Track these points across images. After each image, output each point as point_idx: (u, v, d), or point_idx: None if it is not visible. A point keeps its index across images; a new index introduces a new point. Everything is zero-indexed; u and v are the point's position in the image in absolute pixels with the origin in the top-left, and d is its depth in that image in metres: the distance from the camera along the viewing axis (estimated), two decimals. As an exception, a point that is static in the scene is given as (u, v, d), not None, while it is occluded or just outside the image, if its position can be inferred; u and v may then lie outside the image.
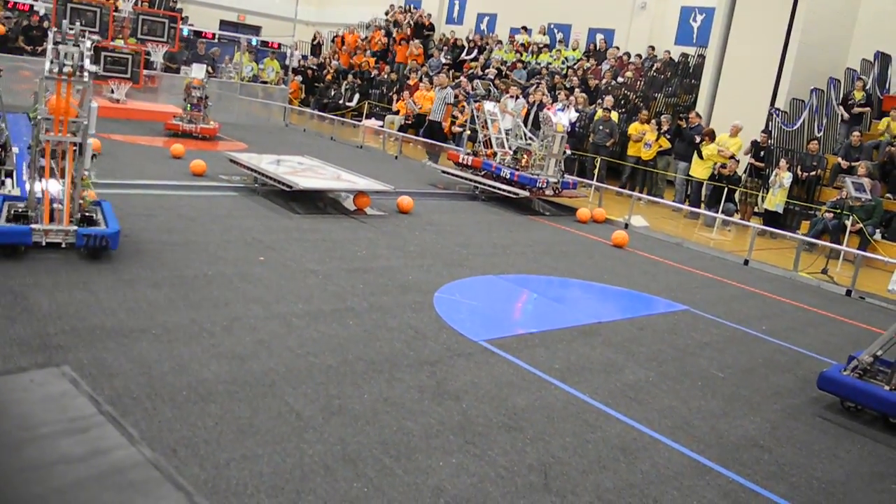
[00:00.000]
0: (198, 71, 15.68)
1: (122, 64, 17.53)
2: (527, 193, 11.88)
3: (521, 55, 21.87)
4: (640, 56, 19.49)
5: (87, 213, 6.83)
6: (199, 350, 4.95)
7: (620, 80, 18.39)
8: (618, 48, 20.22)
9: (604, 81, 18.65)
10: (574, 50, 21.53)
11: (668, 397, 5.38)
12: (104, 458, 0.79)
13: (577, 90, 17.89)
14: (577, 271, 8.75)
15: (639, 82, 18.25)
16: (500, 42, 23.37)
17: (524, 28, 23.03)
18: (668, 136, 15.28)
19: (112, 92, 17.76)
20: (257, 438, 3.94)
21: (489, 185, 12.35)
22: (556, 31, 22.69)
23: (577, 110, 16.37)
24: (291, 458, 3.79)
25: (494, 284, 7.75)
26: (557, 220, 11.86)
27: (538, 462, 4.15)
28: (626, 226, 11.90)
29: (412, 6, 27.84)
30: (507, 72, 20.68)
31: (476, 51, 23.38)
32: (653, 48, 19.71)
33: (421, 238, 9.13)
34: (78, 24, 8.34)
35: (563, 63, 20.92)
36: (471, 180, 12.77)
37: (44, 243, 6.47)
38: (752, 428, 5.09)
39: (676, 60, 18.77)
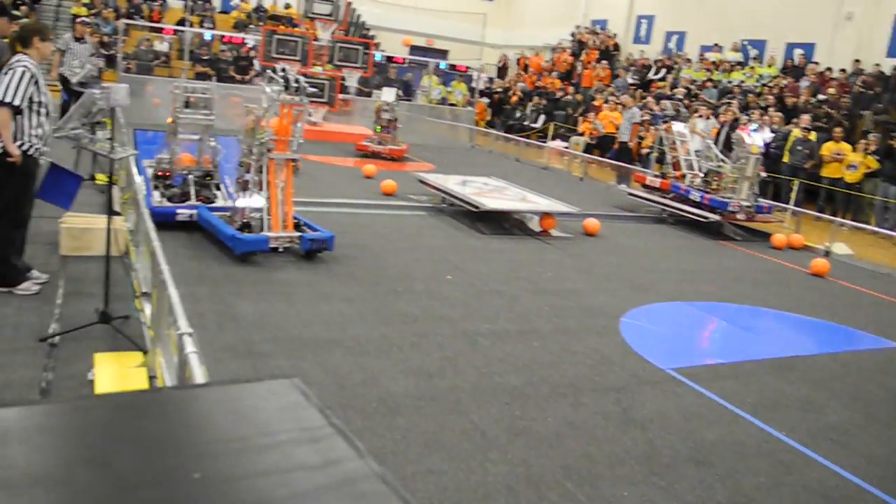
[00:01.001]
0: (388, 94, 16.25)
1: (319, 89, 18.70)
2: (717, 217, 11.42)
3: (712, 74, 21.10)
4: (843, 71, 18.21)
5: (294, 221, 7.66)
6: (389, 364, 5.16)
7: (821, 97, 17.28)
8: (818, 63, 19.01)
9: (802, 99, 17.59)
10: (769, 67, 20.48)
11: (878, 443, 4.96)
12: (336, 468, 0.85)
13: (771, 109, 17.00)
14: (771, 300, 8.28)
15: (842, 99, 17.05)
16: (689, 61, 22.68)
17: (716, 45, 22.20)
18: (877, 157, 14.14)
19: (310, 115, 18.95)
20: (442, 454, 4.04)
21: (677, 209, 11.99)
22: (749, 47, 21.68)
23: (771, 130, 15.57)
24: (475, 476, 3.86)
25: (682, 311, 7.51)
26: (750, 245, 11.29)
27: (728, 501, 3.97)
28: (827, 253, 11.11)
29: (598, 27, 27.63)
30: (697, 91, 20.02)
31: (664, 70, 22.82)
32: (858, 61, 18.35)
33: (607, 261, 9.02)
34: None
35: (757, 81, 19.96)
36: (658, 203, 12.46)
37: (280, 249, 7.40)
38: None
39: (888, 74, 17.37)
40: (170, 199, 8.20)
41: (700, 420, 4.90)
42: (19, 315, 5.17)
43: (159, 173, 8.50)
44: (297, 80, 7.50)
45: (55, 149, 5.87)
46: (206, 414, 0.90)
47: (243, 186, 7.58)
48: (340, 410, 4.36)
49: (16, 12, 11.43)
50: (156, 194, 8.24)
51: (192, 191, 8.33)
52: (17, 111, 5.26)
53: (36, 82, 5.35)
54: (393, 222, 9.76)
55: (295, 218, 7.78)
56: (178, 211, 8.04)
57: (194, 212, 8.03)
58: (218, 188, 8.53)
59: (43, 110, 5.46)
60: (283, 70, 7.67)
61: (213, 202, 8.30)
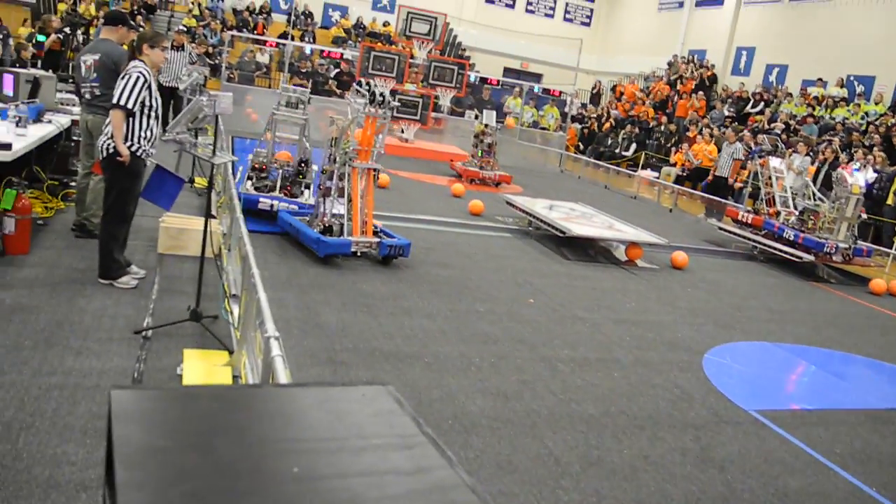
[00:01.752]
0: (489, 117, 15.94)
1: (412, 106, 18.97)
2: (812, 258, 11.02)
3: (814, 109, 20.45)
4: (958, 112, 17.40)
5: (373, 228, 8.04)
6: (467, 383, 5.16)
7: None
8: (930, 102, 18.23)
9: (911, 139, 16.86)
10: (877, 104, 19.70)
11: (975, 506, 4.68)
12: (428, 475, 0.87)
13: (876, 148, 16.35)
14: (866, 348, 7.93)
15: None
16: (789, 94, 22.05)
17: (819, 80, 21.51)
18: None
19: (402, 132, 19.23)
20: (515, 477, 4.02)
21: (769, 246, 11.63)
22: (856, 83, 20.93)
23: (875, 170, 14.96)
24: (546, 503, 3.82)
25: (769, 352, 7.27)
26: (846, 289, 10.85)
27: (811, 552, 3.81)
28: (930, 303, 10.59)
29: (696, 57, 27.20)
30: (797, 126, 19.44)
31: (762, 103, 22.25)
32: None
33: (693, 295, 8.82)
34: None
35: (862, 118, 19.24)
36: (750, 239, 12.11)
37: (358, 253, 7.72)
38: None
39: None
40: (257, 190, 8.99)
41: (783, 466, 4.72)
42: (117, 307, 5.41)
43: (256, 165, 9.32)
44: (382, 95, 7.81)
45: (159, 151, 6.13)
46: (304, 412, 0.94)
47: (325, 192, 7.97)
48: (415, 425, 4.38)
49: (132, 23, 12.01)
50: (248, 183, 9.04)
51: (279, 184, 9.08)
52: (129, 114, 5.55)
53: (149, 87, 5.63)
54: (479, 242, 9.79)
55: (374, 226, 8.08)
56: (261, 199, 8.69)
57: (275, 202, 8.68)
58: (308, 187, 9.09)
59: (153, 114, 5.74)
60: (370, 84, 8.00)
61: (297, 197, 8.97)
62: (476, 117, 21.96)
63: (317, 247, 7.52)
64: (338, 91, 21.70)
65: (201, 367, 4.60)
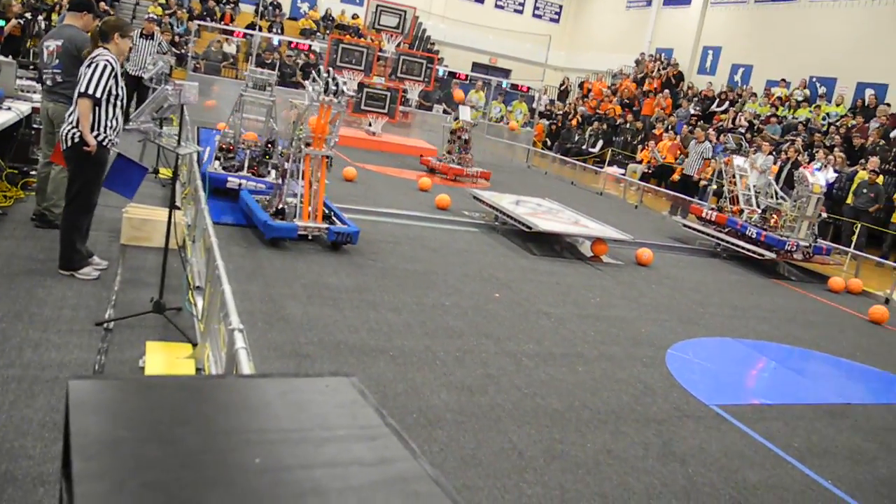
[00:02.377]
0: (465, 112, 15.82)
1: (380, 99, 18.90)
2: (773, 255, 11.21)
3: (777, 109, 20.76)
4: (916, 114, 17.76)
5: (325, 212, 8.30)
6: (431, 376, 5.17)
7: (894, 136, 16.85)
8: (889, 105, 18.57)
9: (870, 140, 17.19)
10: (838, 106, 20.06)
11: (927, 498, 4.80)
12: (391, 466, 0.87)
13: (837, 149, 16.65)
14: (824, 344, 8.09)
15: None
16: (754, 94, 22.36)
17: (783, 81, 21.85)
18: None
19: (369, 125, 19.15)
20: (479, 470, 4.04)
21: (733, 244, 11.80)
22: (818, 84, 21.30)
23: (835, 170, 15.24)
24: (510, 496, 3.84)
25: (731, 347, 7.38)
26: (805, 286, 11.05)
27: (768, 544, 3.88)
28: (887, 300, 10.82)
29: (663, 55, 27.45)
30: (761, 126, 19.72)
31: (727, 103, 22.53)
32: (933, 105, 17.90)
33: (657, 291, 8.91)
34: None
35: (823, 119, 19.58)
36: (713, 237, 12.28)
37: (310, 237, 8.05)
38: None
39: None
40: (225, 169, 9.29)
41: (742, 460, 4.80)
42: (78, 298, 5.32)
43: (223, 146, 9.73)
44: (336, 84, 7.95)
45: (122, 141, 6.04)
46: (267, 402, 0.93)
47: (283, 174, 8.21)
48: (380, 418, 4.38)
49: (97, 10, 11.82)
50: (216, 163, 9.37)
51: (246, 164, 9.40)
52: (96, 103, 5.45)
53: (115, 76, 5.54)
54: (445, 236, 9.79)
55: (327, 207, 8.45)
56: (229, 178, 9.01)
57: (243, 181, 8.99)
58: (275, 167, 9.25)
59: (119, 103, 5.65)
60: (328, 73, 8.13)
61: (264, 177, 9.26)
62: (444, 112, 21.98)
63: (264, 229, 7.74)
64: (304, 83, 21.53)
65: (164, 360, 4.55)
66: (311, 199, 8.04)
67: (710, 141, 17.78)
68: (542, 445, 4.45)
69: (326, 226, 8.01)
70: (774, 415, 5.72)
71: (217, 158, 9.48)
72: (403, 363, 5.32)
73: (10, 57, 9.81)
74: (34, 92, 8.40)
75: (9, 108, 7.43)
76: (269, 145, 9.67)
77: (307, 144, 7.97)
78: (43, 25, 14.84)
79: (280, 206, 8.12)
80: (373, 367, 5.15)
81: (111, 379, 0.94)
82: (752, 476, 4.60)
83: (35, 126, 8.06)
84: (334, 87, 7.92)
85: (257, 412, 0.89)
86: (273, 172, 9.23)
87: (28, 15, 13.62)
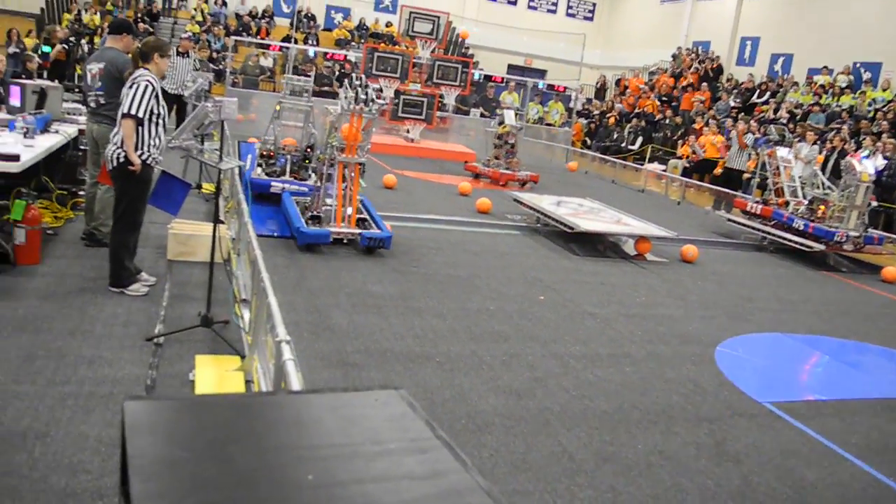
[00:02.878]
0: (509, 116, 15.57)
1: (417, 106, 18.96)
2: (822, 247, 10.97)
3: (820, 98, 20.35)
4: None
5: (361, 217, 8.48)
6: (479, 382, 5.16)
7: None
8: (938, 88, 18.11)
9: (920, 126, 16.77)
10: (884, 91, 19.58)
11: None
12: (443, 479, 0.87)
13: (885, 135, 16.26)
14: (880, 337, 7.88)
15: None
16: (795, 84, 21.95)
17: (825, 68, 21.40)
18: None
19: (407, 132, 19.22)
20: (529, 475, 4.01)
21: (779, 236, 11.58)
22: (862, 70, 20.82)
23: (884, 157, 14.87)
24: (562, 500, 3.82)
25: (782, 343, 7.24)
26: (857, 277, 10.80)
27: (829, 544, 3.79)
28: (943, 289, 10.52)
29: (700, 48, 27.10)
30: (804, 115, 19.35)
31: (768, 93, 22.16)
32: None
33: (703, 288, 8.79)
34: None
35: (869, 105, 19.12)
36: (759, 230, 12.07)
37: (345, 241, 8.23)
38: None
39: None
40: (268, 175, 9.73)
41: (799, 458, 4.70)
42: (129, 315, 5.43)
43: (264, 153, 10.16)
44: (366, 93, 8.09)
45: (166, 158, 6.15)
46: (318, 418, 0.93)
47: (320, 177, 8.46)
48: (429, 425, 4.38)
49: (137, 31, 12.10)
50: (258, 170, 9.83)
51: (288, 169, 9.89)
52: (139, 122, 5.56)
53: (157, 96, 5.64)
54: (487, 240, 9.78)
55: (367, 211, 8.67)
56: (273, 184, 9.44)
57: (286, 185, 9.34)
58: (314, 171, 9.37)
59: (161, 122, 5.75)
60: (360, 80, 8.30)
61: (305, 181, 9.64)
62: (482, 115, 21.97)
63: (297, 236, 7.98)
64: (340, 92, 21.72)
65: (213, 373, 4.61)
66: (345, 205, 8.20)
67: (753, 133, 17.49)
68: (592, 448, 4.41)
69: (359, 231, 8.14)
70: (830, 411, 5.59)
71: (259, 165, 9.91)
72: (450, 369, 5.31)
73: (56, 81, 10.06)
74: (80, 114, 8.60)
75: (56, 132, 7.62)
76: (309, 150, 10.13)
77: (340, 151, 8.12)
78: (86, 49, 15.20)
79: (317, 210, 8.32)
80: (419, 373, 5.16)
81: (165, 399, 0.95)
82: (810, 474, 4.50)
83: (82, 147, 8.24)
84: (364, 97, 8.04)
85: (308, 428, 0.90)
86: (314, 175, 9.42)
87: (72, 39, 13.95)
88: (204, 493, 0.73)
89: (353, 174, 8.22)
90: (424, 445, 0.90)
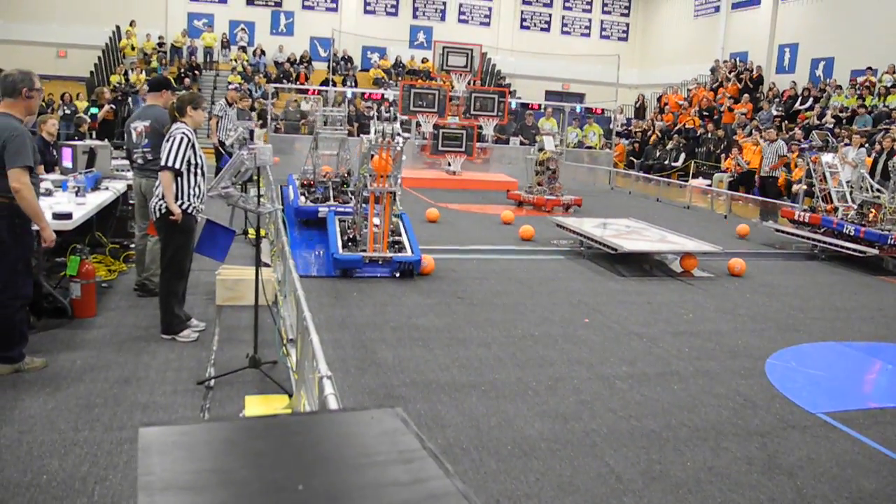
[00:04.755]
0: (549, 143, 15.67)
1: (456, 139, 19.16)
2: (875, 251, 10.73)
3: (865, 99, 19.98)
4: None
5: (397, 240, 8.92)
6: (525, 407, 5.18)
7: None
8: None
9: (972, 122, 16.35)
10: (932, 87, 19.18)
11: None
12: (424, 485, 0.93)
13: (937, 133, 15.88)
14: (941, 340, 7.66)
15: None
16: (839, 87, 21.59)
17: (868, 69, 21.02)
18: None
19: (449, 165, 19.40)
20: (576, 497, 4.01)
21: (829, 243, 11.37)
22: (907, 68, 20.41)
23: (937, 156, 14.52)
24: (612, 521, 3.80)
25: (836, 352, 7.09)
26: (915, 281, 10.52)
27: (890, 554, 3.70)
28: None
29: (738, 60, 26.88)
30: (849, 118, 19.01)
31: (811, 99, 21.83)
32: None
33: (752, 301, 8.67)
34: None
35: (918, 104, 18.72)
36: (808, 238, 11.86)
37: (380, 262, 8.59)
38: None
39: None
40: (312, 202, 10.53)
41: (856, 468, 4.60)
42: (180, 360, 5.60)
43: (304, 182, 11.08)
44: (392, 126, 8.61)
45: (212, 206, 6.37)
46: (315, 436, 1.01)
47: (358, 202, 9.09)
48: (475, 453, 4.42)
49: (175, 86, 12.57)
50: (302, 198, 10.68)
51: (331, 194, 10.74)
52: (177, 173, 5.79)
53: (193, 146, 5.87)
54: (531, 267, 9.82)
55: (404, 229, 9.13)
56: (320, 209, 10.18)
57: (330, 209, 9.89)
58: (353, 193, 10.11)
59: (199, 171, 5.97)
60: (389, 113, 9.03)
61: (347, 203, 10.27)
62: (522, 143, 22.06)
63: (332, 263, 8.49)
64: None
65: (263, 412, 4.73)
66: (379, 231, 8.65)
67: (796, 139, 17.25)
68: (639, 467, 4.39)
69: (391, 255, 8.54)
70: (889, 419, 5.46)
71: (302, 195, 10.73)
72: (496, 396, 5.34)
73: (105, 140, 10.48)
74: (128, 170, 8.94)
75: (106, 188, 7.94)
76: (347, 175, 11.06)
77: (373, 181, 8.56)
78: (132, 107, 15.75)
79: (355, 233, 8.90)
80: (465, 402, 5.20)
81: (176, 424, 1.04)
82: (868, 485, 4.40)
83: (131, 202, 8.56)
84: (391, 131, 8.52)
85: (304, 445, 0.97)
86: (353, 198, 10.01)
87: (119, 98, 14.53)
88: (203, 501, 0.81)
89: (384, 202, 8.65)
90: (411, 456, 0.96)
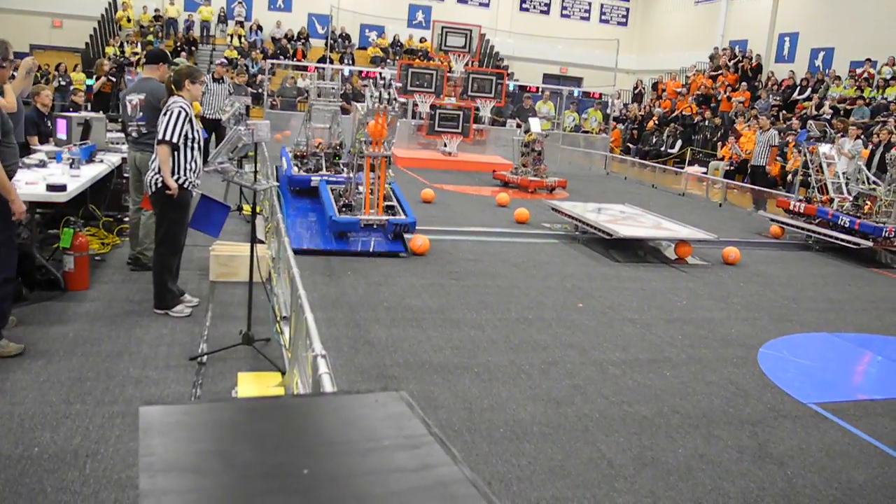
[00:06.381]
0: (535, 125, 15.89)
1: (453, 120, 19.08)
2: (870, 244, 10.75)
3: (863, 91, 19.95)
4: None
5: (389, 204, 9.16)
6: (517, 391, 5.18)
7: None
8: None
9: (969, 116, 16.35)
10: (932, 80, 19.16)
11: None
12: (431, 472, 0.91)
13: (934, 126, 15.88)
14: (932, 333, 7.69)
15: None
16: (838, 78, 21.55)
17: (868, 60, 20.98)
18: None
19: (444, 146, 19.33)
20: (568, 481, 4.02)
21: (824, 235, 11.38)
22: (907, 60, 20.38)
23: (934, 149, 14.52)
24: (602, 506, 3.81)
25: (829, 342, 7.12)
26: (908, 273, 10.55)
27: (877, 544, 3.72)
28: None
29: (737, 48, 26.79)
30: (846, 109, 18.99)
31: (809, 89, 21.79)
32: None
33: (746, 290, 8.68)
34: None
35: (916, 97, 18.72)
36: (803, 229, 11.87)
37: (375, 226, 8.83)
38: None
39: None
40: (306, 172, 10.83)
41: (846, 459, 4.62)
42: (173, 335, 5.58)
43: (297, 154, 11.45)
44: (389, 92, 8.79)
45: (207, 181, 6.32)
46: (319, 419, 0.99)
47: (352, 170, 9.37)
48: (468, 435, 4.42)
49: (177, 60, 12.44)
50: (295, 168, 10.99)
51: (324, 165, 11.10)
52: (174, 148, 5.74)
53: (190, 121, 5.82)
54: (525, 250, 9.80)
55: (395, 196, 9.33)
56: (312, 178, 10.42)
57: (322, 178, 10.16)
58: (346, 165, 10.43)
59: (196, 146, 5.92)
60: (384, 80, 9.17)
61: (340, 173, 10.62)
62: (518, 126, 21.99)
63: (330, 225, 8.75)
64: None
65: (255, 389, 4.71)
66: (373, 195, 8.89)
67: (793, 129, 17.24)
68: (631, 453, 4.40)
69: (386, 218, 8.79)
70: (880, 411, 5.48)
71: (295, 165, 11.09)
72: (489, 379, 5.34)
73: (101, 112, 10.38)
74: (123, 143, 8.87)
75: (101, 161, 7.87)
76: (339, 146, 11.43)
77: (367, 146, 8.82)
78: (128, 80, 15.60)
79: (349, 199, 9.16)
80: (458, 384, 5.20)
81: (177, 404, 1.02)
82: (858, 476, 4.42)
83: (126, 176, 8.49)
84: (387, 97, 8.76)
85: (308, 428, 0.96)
86: (345, 169, 10.35)
87: (115, 69, 14.40)
88: (204, 486, 0.79)
89: (379, 166, 8.91)
90: (417, 442, 0.94)
